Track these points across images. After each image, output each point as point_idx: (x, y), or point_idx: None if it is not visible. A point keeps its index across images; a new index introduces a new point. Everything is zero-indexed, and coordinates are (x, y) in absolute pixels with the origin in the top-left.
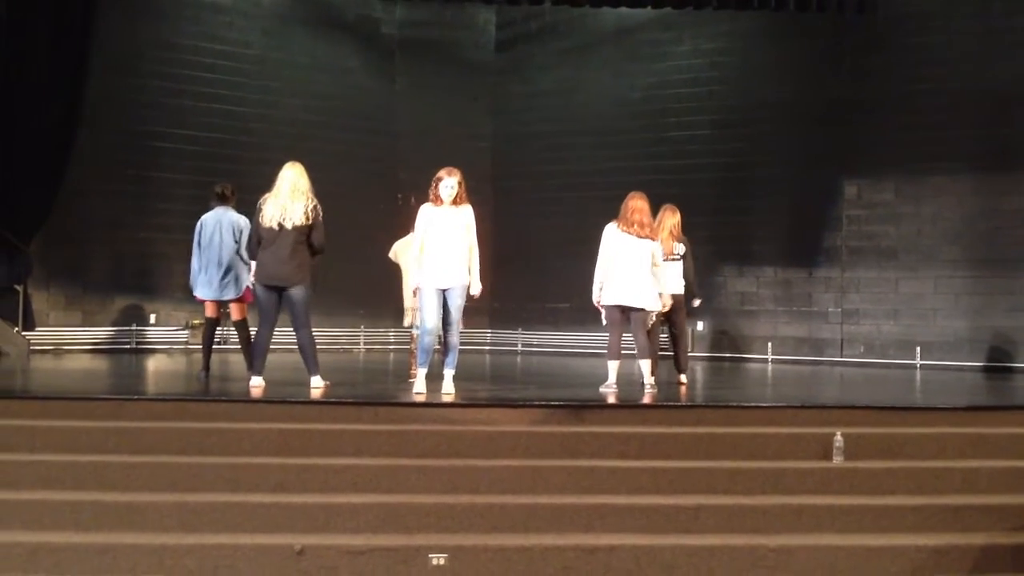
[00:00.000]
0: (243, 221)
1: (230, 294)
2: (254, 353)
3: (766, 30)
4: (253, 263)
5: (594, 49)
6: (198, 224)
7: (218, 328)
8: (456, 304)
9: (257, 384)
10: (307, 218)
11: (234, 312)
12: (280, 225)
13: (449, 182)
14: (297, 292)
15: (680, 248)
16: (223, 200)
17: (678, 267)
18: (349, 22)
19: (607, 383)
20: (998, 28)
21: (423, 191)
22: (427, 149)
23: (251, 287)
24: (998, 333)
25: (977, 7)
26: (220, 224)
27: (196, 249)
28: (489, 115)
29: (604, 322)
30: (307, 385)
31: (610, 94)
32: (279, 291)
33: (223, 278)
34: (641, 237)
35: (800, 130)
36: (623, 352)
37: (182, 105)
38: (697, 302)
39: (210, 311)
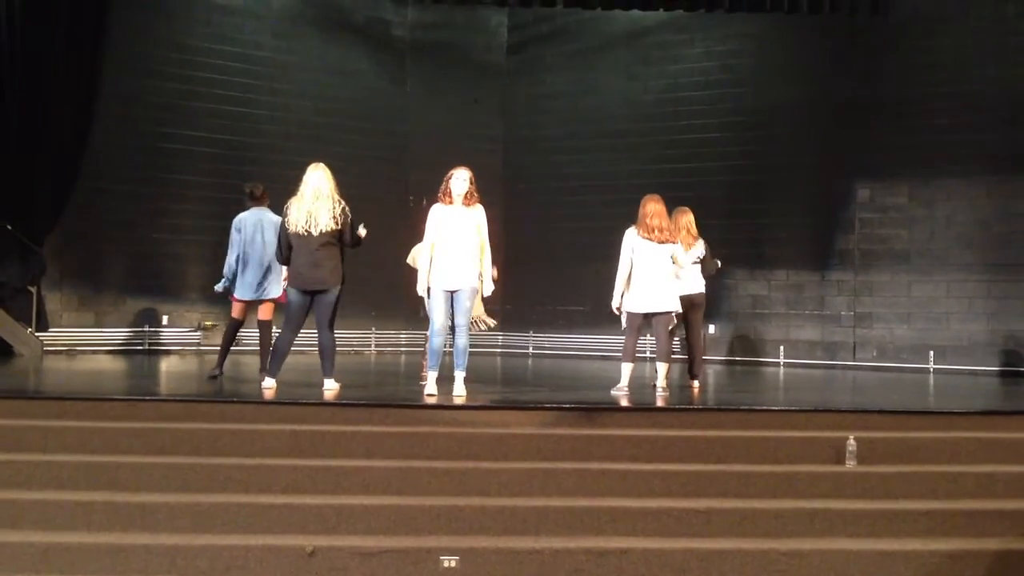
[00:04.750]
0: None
1: (273, 293)
2: (274, 356)
3: (779, 32)
4: (285, 267)
5: (606, 51)
6: (237, 223)
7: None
8: (464, 307)
9: (269, 385)
10: (336, 222)
11: (266, 312)
12: (307, 231)
13: (461, 175)
14: (332, 295)
15: (701, 249)
16: (258, 200)
17: (697, 269)
18: (360, 24)
19: (619, 385)
20: (1012, 30)
21: (434, 193)
22: (438, 151)
23: (285, 290)
24: (1012, 337)
25: (991, 9)
26: (261, 224)
27: (236, 248)
28: (500, 117)
29: (624, 326)
30: (319, 386)
31: (622, 96)
32: (312, 295)
33: (264, 279)
34: (662, 242)
35: (813, 133)
36: (636, 355)
37: (194, 107)
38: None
39: (239, 312)
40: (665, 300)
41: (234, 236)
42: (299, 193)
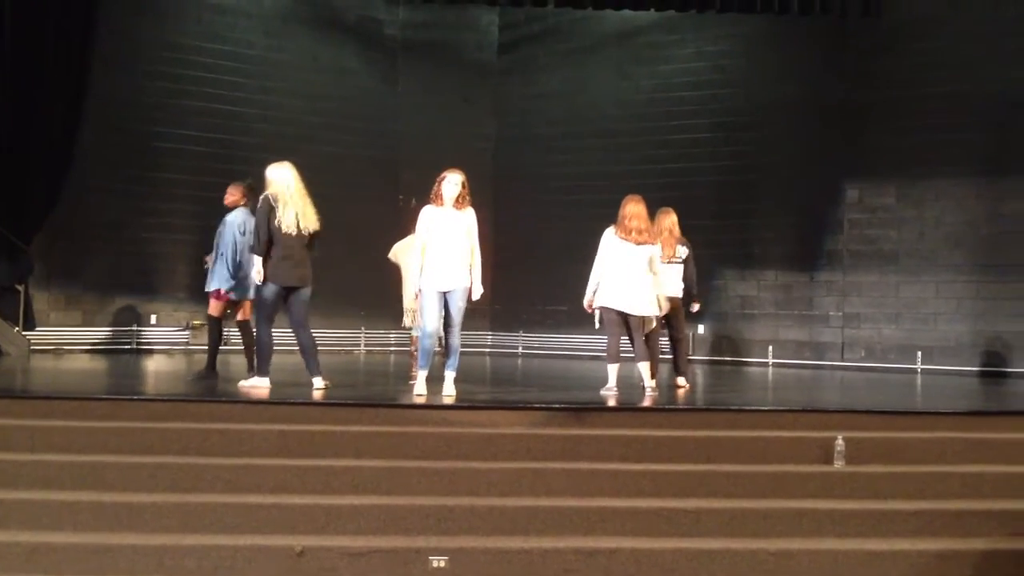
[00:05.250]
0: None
1: (252, 293)
2: (264, 354)
3: (770, 33)
4: (258, 259)
5: (597, 51)
6: (240, 226)
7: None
8: (457, 307)
9: (267, 385)
10: (318, 223)
11: (247, 312)
12: (299, 231)
13: (453, 179)
14: (308, 292)
15: (683, 251)
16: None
17: (678, 270)
18: (351, 23)
19: (607, 386)
20: (1002, 32)
21: (425, 193)
22: (429, 151)
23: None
24: (999, 338)
25: (981, 11)
26: (248, 224)
27: (237, 250)
28: (491, 117)
29: (597, 325)
30: (308, 386)
31: (613, 96)
32: (288, 292)
33: (246, 278)
34: (639, 243)
35: (803, 133)
36: (623, 355)
37: (184, 105)
38: (696, 307)
39: (222, 311)
40: (636, 303)
41: (238, 238)
42: (285, 193)
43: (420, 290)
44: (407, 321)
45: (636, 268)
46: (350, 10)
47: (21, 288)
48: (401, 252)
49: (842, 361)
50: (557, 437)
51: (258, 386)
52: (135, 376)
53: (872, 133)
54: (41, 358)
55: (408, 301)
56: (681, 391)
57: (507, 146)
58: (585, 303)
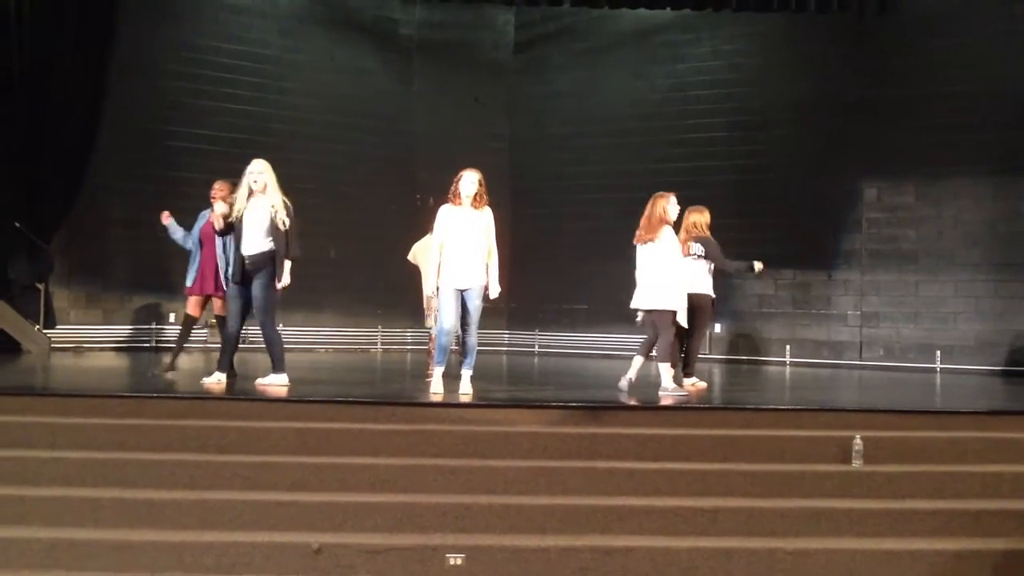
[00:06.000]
0: None
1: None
2: (282, 353)
3: (786, 32)
4: (289, 264)
5: (613, 50)
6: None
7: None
8: (474, 305)
9: (285, 383)
10: None
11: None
12: None
13: (470, 177)
14: None
15: (696, 248)
16: None
17: (696, 268)
18: (367, 23)
19: (627, 375)
20: (1019, 30)
21: (441, 192)
22: (445, 150)
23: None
24: (1019, 336)
25: (998, 9)
26: None
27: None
28: (507, 116)
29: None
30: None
31: (628, 96)
32: None
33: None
34: (641, 243)
35: (819, 132)
36: (651, 354)
37: (201, 105)
38: (759, 265)
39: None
40: (648, 298)
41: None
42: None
43: (437, 288)
44: (429, 322)
45: (645, 266)
46: (366, 10)
47: (42, 286)
48: (420, 252)
49: (860, 360)
50: (573, 435)
51: (276, 384)
52: (154, 374)
53: (890, 131)
54: (61, 356)
55: (427, 301)
56: (693, 389)
57: (522, 145)
58: None
